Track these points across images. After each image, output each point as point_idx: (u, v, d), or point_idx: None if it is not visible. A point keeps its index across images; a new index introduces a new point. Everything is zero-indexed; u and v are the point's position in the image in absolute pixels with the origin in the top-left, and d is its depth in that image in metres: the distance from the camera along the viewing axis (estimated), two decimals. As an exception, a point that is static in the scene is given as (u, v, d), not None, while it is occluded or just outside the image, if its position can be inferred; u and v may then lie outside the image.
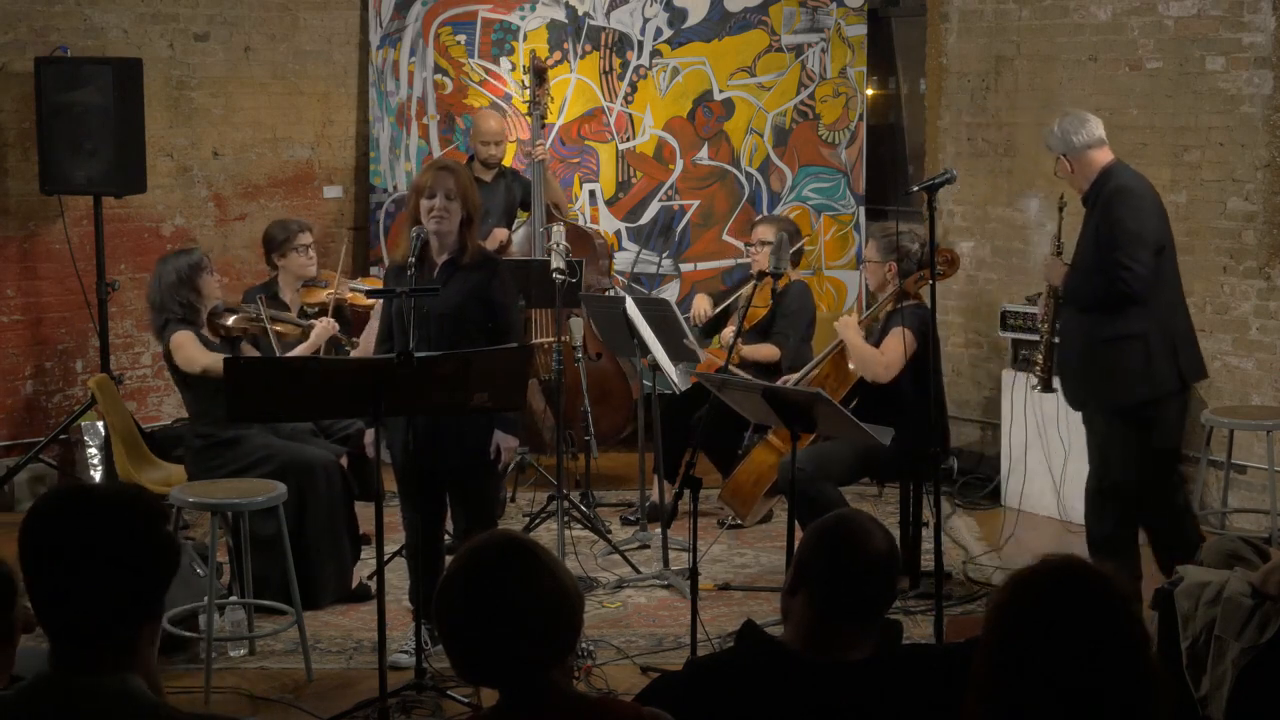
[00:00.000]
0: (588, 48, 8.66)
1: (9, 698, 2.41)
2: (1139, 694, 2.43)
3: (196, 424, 6.13)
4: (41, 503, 2.48)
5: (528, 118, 7.98)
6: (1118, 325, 5.66)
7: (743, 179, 8.74)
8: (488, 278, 5.43)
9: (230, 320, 6.20)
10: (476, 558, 2.57)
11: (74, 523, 2.39)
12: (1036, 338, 6.36)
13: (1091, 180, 5.79)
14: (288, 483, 5.78)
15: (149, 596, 2.42)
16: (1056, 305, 5.89)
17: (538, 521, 7.04)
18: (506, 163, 8.04)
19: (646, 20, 8.66)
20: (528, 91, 7.99)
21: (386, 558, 5.86)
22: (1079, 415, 7.22)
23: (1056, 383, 6.06)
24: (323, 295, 7.02)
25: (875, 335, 6.42)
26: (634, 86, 8.67)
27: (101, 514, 2.40)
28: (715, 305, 7.63)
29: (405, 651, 5.47)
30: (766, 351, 7.30)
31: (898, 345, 6.20)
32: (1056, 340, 5.98)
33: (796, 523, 5.10)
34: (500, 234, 7.78)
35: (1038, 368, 6.10)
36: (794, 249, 7.34)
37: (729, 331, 7.37)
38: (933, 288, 5.40)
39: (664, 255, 8.72)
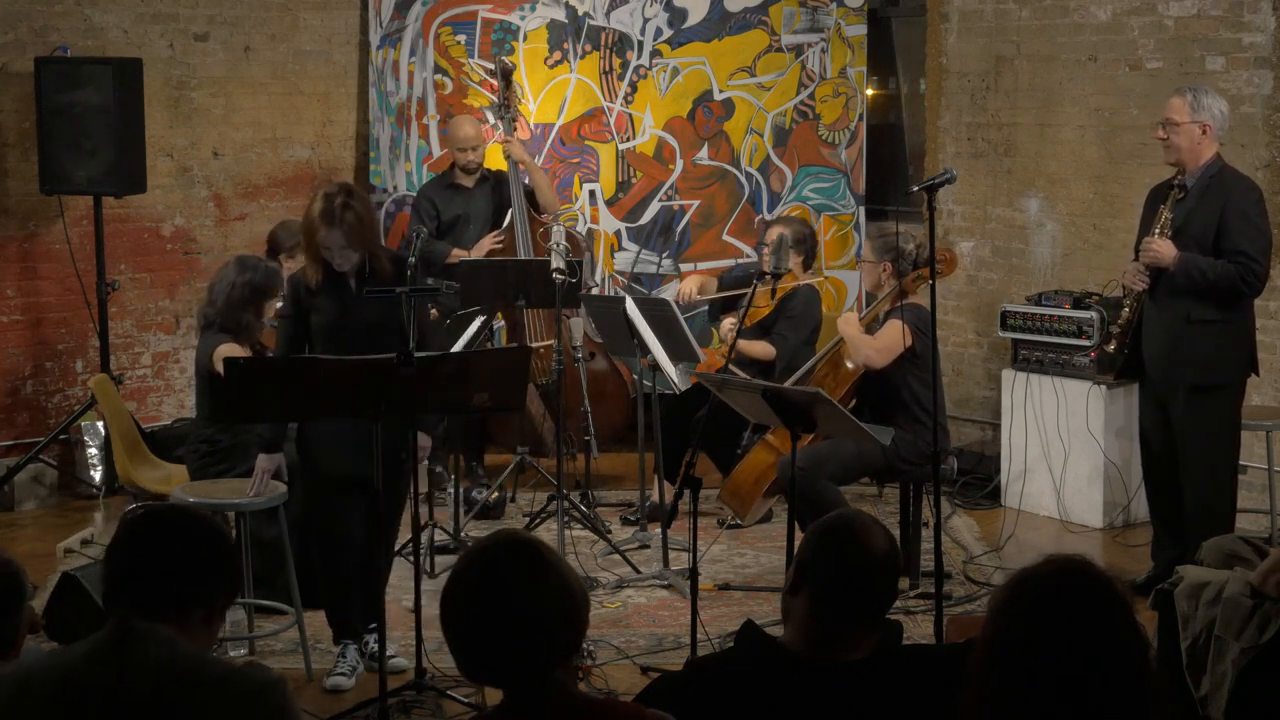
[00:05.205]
0: (588, 48, 8.66)
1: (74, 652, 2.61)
2: (1138, 695, 2.44)
3: (204, 428, 6.08)
4: (153, 506, 2.90)
5: (500, 121, 7.93)
6: (1225, 310, 5.95)
7: (743, 179, 8.73)
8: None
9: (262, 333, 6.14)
10: (482, 557, 2.56)
11: (173, 526, 2.71)
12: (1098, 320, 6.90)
13: (1202, 163, 5.98)
14: (294, 484, 5.78)
15: (212, 598, 2.72)
16: (1150, 285, 6.05)
17: (538, 521, 7.04)
18: (502, 166, 8.02)
19: (646, 20, 8.65)
20: (495, 95, 7.99)
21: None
22: (1078, 415, 7.28)
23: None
24: None
25: (873, 332, 6.42)
26: (634, 86, 8.66)
27: (198, 527, 2.72)
28: (718, 289, 7.63)
29: (343, 674, 5.41)
30: (761, 349, 7.30)
31: (894, 334, 6.21)
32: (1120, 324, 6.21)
33: (796, 523, 5.10)
34: (486, 241, 7.74)
35: (1113, 345, 6.30)
36: (806, 251, 7.38)
37: (728, 324, 7.37)
38: (932, 288, 5.39)
39: (664, 255, 8.72)
